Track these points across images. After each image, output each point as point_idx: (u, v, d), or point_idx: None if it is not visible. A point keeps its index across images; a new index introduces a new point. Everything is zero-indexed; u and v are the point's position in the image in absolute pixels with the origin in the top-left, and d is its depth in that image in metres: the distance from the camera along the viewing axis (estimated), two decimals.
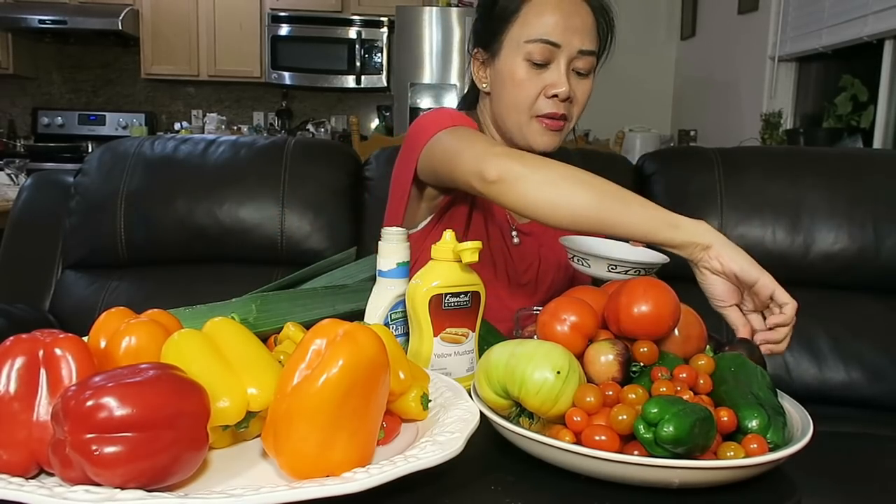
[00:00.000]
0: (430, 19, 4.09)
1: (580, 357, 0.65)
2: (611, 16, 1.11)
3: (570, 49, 1.04)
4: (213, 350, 0.58)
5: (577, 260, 0.93)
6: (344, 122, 4.90)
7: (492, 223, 1.16)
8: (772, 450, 0.57)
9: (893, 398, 1.44)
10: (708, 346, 0.72)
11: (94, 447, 0.45)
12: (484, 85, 1.14)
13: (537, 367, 0.61)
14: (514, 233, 1.18)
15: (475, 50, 1.14)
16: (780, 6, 3.48)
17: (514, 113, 1.08)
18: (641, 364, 0.65)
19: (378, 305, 0.81)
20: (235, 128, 4.79)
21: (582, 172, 0.88)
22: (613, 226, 0.85)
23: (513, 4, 1.07)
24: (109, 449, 0.46)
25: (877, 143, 2.89)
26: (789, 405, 0.66)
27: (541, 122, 1.06)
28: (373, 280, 0.83)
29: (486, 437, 0.62)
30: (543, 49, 1.03)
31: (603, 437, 0.56)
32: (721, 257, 0.80)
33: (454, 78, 4.12)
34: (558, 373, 0.60)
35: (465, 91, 1.25)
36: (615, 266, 0.90)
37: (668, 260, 0.93)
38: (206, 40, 4.52)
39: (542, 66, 1.04)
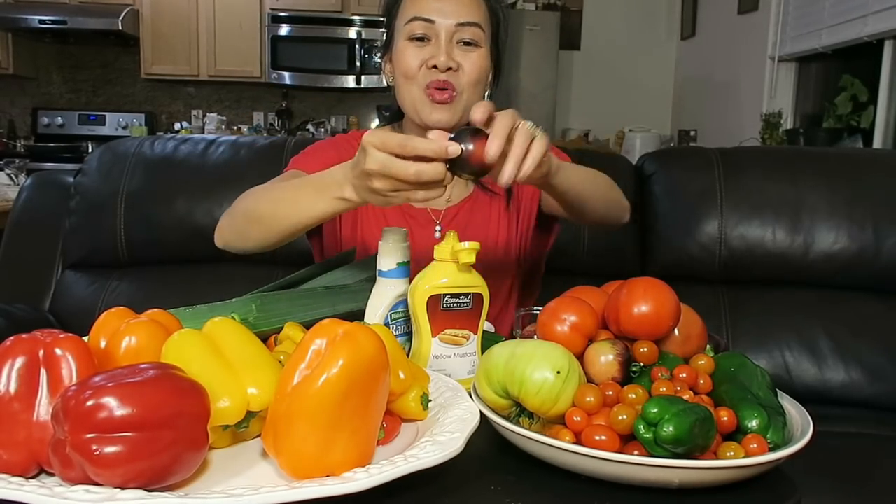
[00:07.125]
0: None
1: (580, 357, 0.65)
2: None
3: (447, 23, 1.08)
4: (213, 350, 0.58)
5: None
6: (344, 122, 4.90)
7: (412, 219, 1.18)
8: (772, 450, 0.57)
9: (893, 398, 1.44)
10: (708, 346, 0.72)
11: (94, 447, 0.45)
12: (390, 79, 1.20)
13: (537, 367, 0.61)
14: (437, 227, 1.19)
15: (384, 55, 1.21)
16: (780, 6, 3.48)
17: (406, 89, 1.13)
18: (641, 364, 0.65)
19: (378, 305, 0.81)
20: (235, 128, 4.79)
21: (257, 191, 0.99)
22: (288, 218, 0.89)
23: None
24: (109, 449, 0.46)
25: (877, 143, 2.89)
26: (789, 405, 0.66)
27: (429, 95, 1.10)
28: (373, 280, 0.83)
29: (486, 437, 0.62)
30: (419, 25, 1.09)
31: (603, 437, 0.56)
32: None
33: None
34: (558, 373, 0.60)
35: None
36: None
37: None
38: (205, 40, 4.52)
39: (423, 42, 1.10)
